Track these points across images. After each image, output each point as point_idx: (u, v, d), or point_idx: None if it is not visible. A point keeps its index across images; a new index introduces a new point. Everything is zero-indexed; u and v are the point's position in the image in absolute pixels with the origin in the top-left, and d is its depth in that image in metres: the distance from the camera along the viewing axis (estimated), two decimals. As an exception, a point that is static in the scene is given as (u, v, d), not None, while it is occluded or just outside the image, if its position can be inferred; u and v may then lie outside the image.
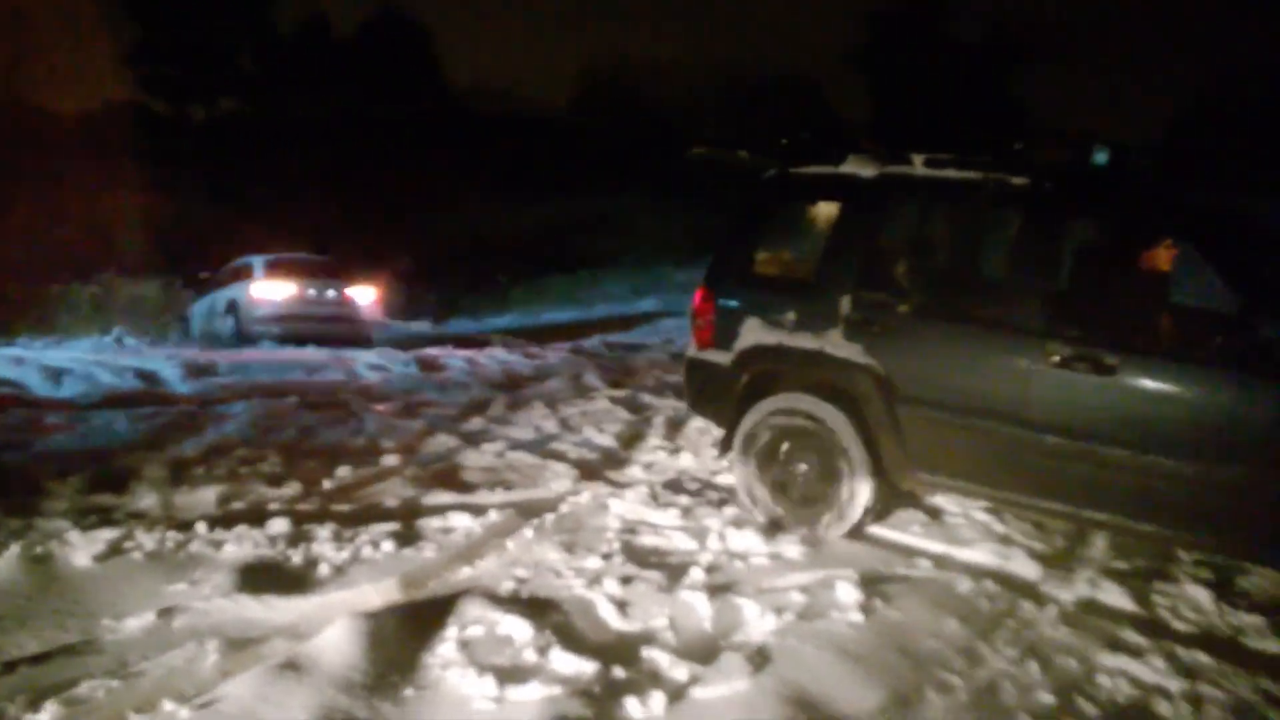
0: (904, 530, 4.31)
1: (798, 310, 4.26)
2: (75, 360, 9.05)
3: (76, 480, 4.50)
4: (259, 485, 4.67)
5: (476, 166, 33.28)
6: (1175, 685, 2.91)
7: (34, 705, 2.46)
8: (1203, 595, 3.60)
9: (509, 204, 31.72)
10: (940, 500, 4.75)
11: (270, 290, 11.83)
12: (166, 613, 3.07)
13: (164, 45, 34.02)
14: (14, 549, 3.49)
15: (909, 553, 4.00)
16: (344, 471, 5.05)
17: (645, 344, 12.31)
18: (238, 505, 4.35)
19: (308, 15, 36.38)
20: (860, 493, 4.09)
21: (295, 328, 11.56)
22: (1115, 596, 3.60)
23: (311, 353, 10.41)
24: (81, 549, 3.56)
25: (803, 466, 4.28)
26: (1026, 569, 3.84)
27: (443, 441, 5.97)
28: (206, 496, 4.39)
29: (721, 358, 4.54)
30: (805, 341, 4.22)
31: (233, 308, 12.13)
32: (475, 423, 6.70)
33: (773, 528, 4.18)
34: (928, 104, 35.11)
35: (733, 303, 4.53)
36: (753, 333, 4.40)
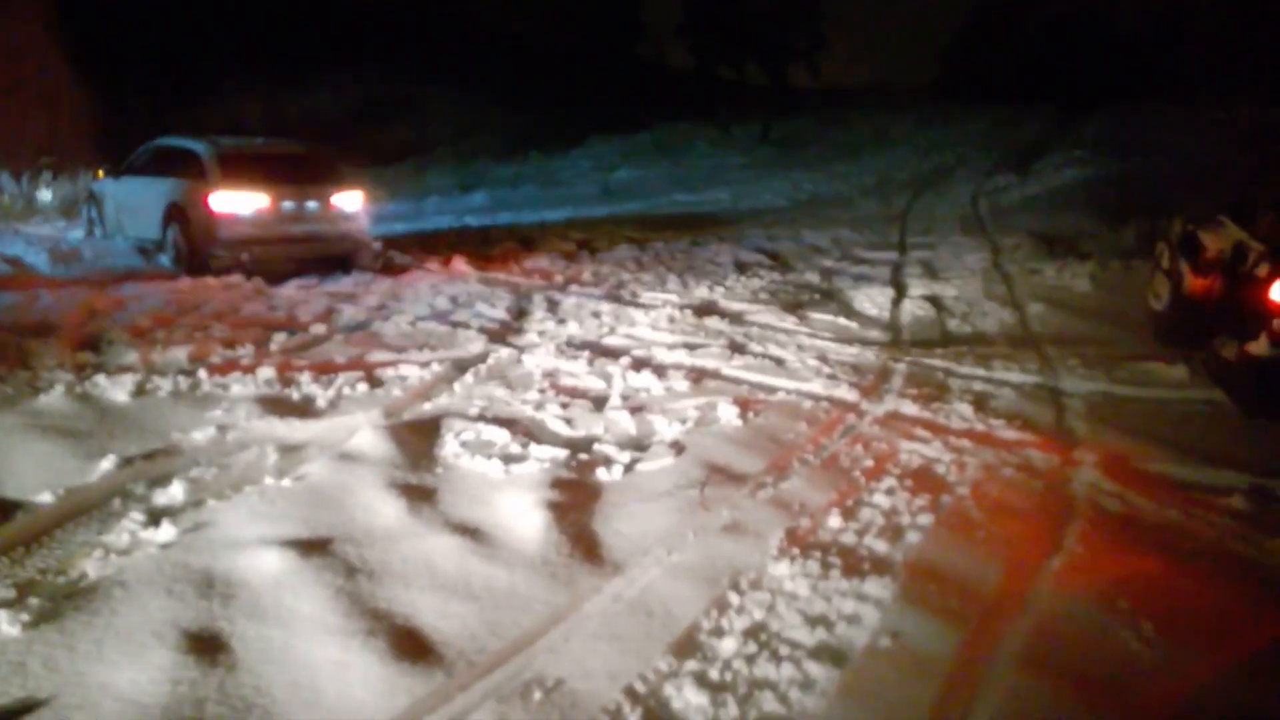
0: (759, 372, 5.58)
1: None
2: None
3: (53, 342, 4.96)
4: (218, 346, 5.28)
5: (268, 49, 30.97)
6: (948, 457, 4.28)
7: (161, 484, 3.22)
8: (967, 409, 5.05)
9: (306, 88, 29.99)
10: (781, 352, 6.09)
11: (233, 202, 8.21)
12: (221, 429, 3.83)
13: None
14: (57, 388, 4.06)
15: (764, 387, 5.28)
16: (281, 337, 5.71)
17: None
18: (214, 359, 4.98)
19: None
20: None
21: (269, 252, 8.39)
22: (910, 409, 5.02)
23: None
24: (114, 390, 4.17)
25: None
26: (849, 395, 5.20)
27: (351, 314, 6.67)
28: (178, 355, 4.98)
29: None
30: None
31: (177, 216, 8.58)
32: (371, 300, 7.39)
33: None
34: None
35: None
36: None
